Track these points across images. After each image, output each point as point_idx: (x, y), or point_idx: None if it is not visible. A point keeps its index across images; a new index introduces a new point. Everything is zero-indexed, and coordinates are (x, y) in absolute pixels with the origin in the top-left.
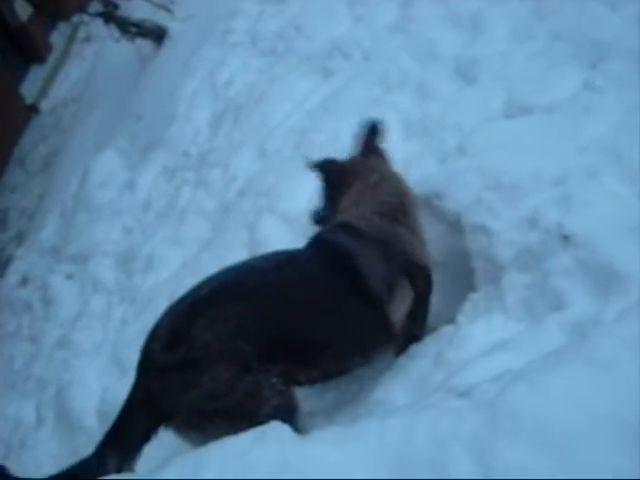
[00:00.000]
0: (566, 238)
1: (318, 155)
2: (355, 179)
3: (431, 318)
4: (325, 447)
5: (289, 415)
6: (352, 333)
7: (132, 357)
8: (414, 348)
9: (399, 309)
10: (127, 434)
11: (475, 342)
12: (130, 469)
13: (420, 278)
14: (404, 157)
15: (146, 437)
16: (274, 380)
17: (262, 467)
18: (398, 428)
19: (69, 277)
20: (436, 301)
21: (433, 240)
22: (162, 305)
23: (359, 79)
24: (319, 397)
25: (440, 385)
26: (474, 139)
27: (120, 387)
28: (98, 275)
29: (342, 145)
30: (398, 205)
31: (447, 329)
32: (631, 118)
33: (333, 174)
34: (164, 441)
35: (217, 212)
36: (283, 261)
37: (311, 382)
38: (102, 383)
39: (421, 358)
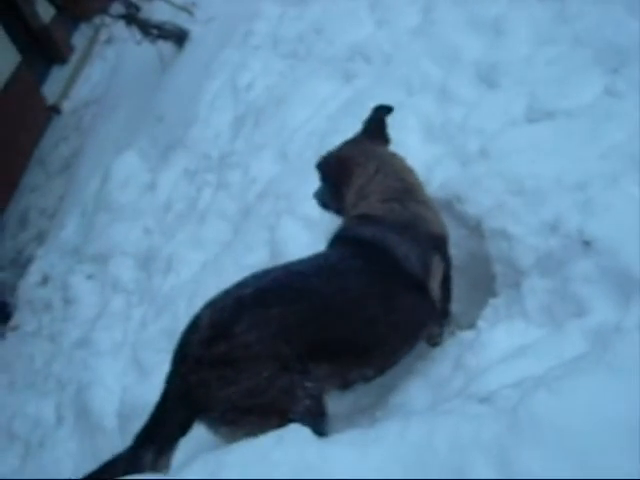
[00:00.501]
0: (587, 244)
1: None
2: (354, 169)
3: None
4: (344, 449)
5: (318, 419)
6: (403, 323)
7: (151, 358)
8: (434, 352)
9: (436, 284)
10: (163, 428)
11: (495, 347)
12: (167, 463)
13: (445, 248)
14: (425, 161)
15: (182, 431)
16: (308, 384)
17: (282, 468)
18: (418, 432)
19: (89, 277)
20: (456, 306)
21: (454, 244)
22: (181, 306)
23: (380, 83)
24: (340, 400)
25: (460, 390)
26: (496, 143)
27: (139, 388)
28: (118, 275)
29: None
30: (403, 187)
31: (467, 334)
32: None
33: (330, 167)
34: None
35: (237, 214)
36: (324, 265)
37: (365, 380)
38: (121, 384)
39: (441, 362)
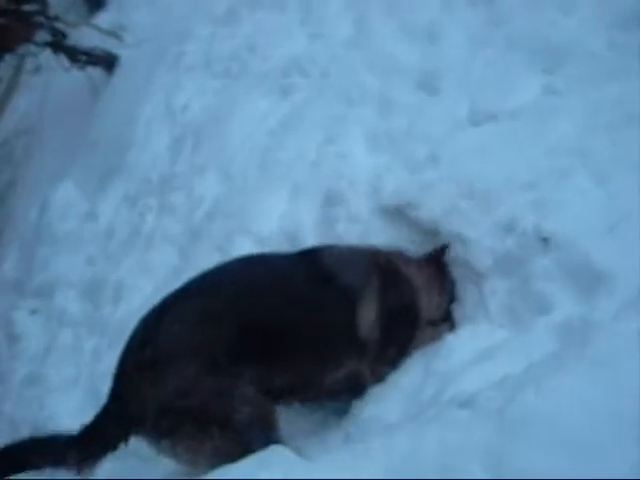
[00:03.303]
0: (544, 241)
1: (284, 173)
2: None
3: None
4: (332, 468)
5: (265, 423)
6: (320, 327)
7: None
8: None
9: (366, 313)
10: (95, 438)
11: (462, 351)
12: (90, 470)
13: (396, 293)
14: (373, 170)
15: (113, 445)
16: (245, 389)
17: None
18: (405, 444)
19: (33, 312)
20: None
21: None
22: None
23: (319, 96)
24: (307, 416)
25: (433, 397)
26: (443, 148)
27: None
28: (64, 308)
29: (307, 162)
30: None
31: None
32: (594, 118)
33: None
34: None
35: (184, 237)
36: (248, 257)
37: (289, 389)
38: (80, 418)
39: (409, 371)
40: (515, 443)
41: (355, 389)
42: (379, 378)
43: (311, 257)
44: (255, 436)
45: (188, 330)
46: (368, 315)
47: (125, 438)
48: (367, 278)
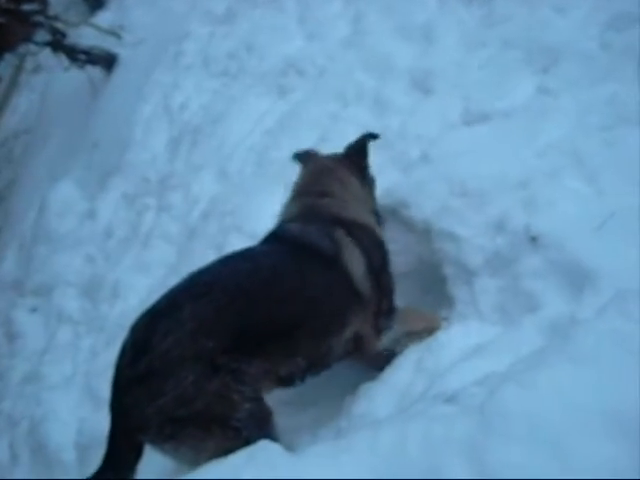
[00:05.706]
0: (534, 239)
1: (279, 172)
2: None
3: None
4: (316, 462)
5: (264, 423)
6: (320, 301)
7: (106, 387)
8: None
9: (352, 260)
10: (118, 457)
11: (453, 348)
12: None
13: (361, 232)
14: None
15: (135, 456)
16: (244, 388)
17: None
18: (389, 438)
19: (33, 310)
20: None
21: (402, 250)
22: None
23: (315, 95)
24: (301, 413)
25: (422, 393)
26: (436, 148)
27: (96, 418)
28: (63, 306)
29: None
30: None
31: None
32: (586, 118)
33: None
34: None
35: (182, 235)
36: (232, 255)
37: (297, 375)
38: (77, 415)
39: (400, 368)
40: (494, 437)
41: (359, 348)
42: (380, 332)
43: (278, 239)
44: (253, 433)
45: (183, 341)
46: (357, 264)
47: (140, 446)
48: (333, 231)
